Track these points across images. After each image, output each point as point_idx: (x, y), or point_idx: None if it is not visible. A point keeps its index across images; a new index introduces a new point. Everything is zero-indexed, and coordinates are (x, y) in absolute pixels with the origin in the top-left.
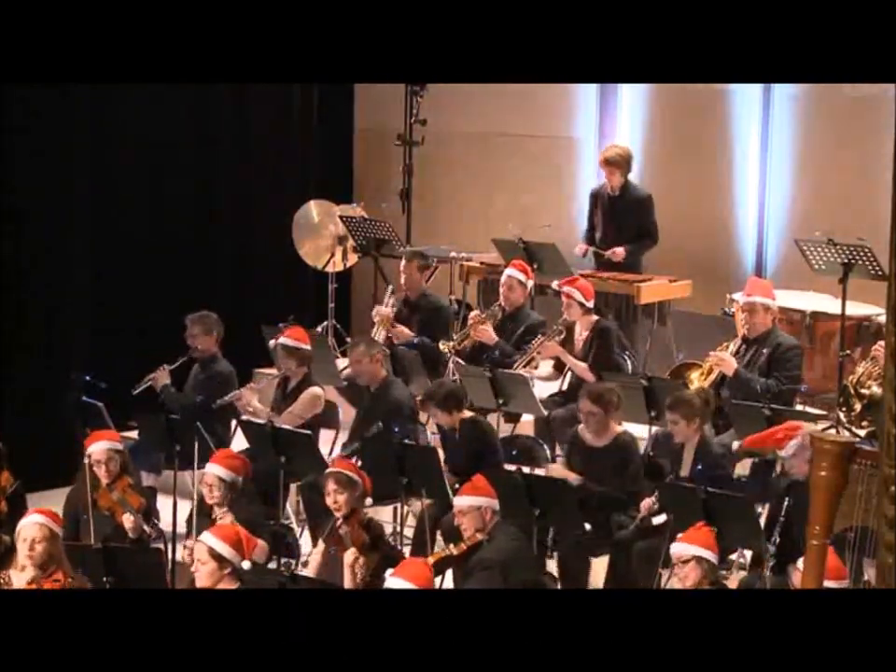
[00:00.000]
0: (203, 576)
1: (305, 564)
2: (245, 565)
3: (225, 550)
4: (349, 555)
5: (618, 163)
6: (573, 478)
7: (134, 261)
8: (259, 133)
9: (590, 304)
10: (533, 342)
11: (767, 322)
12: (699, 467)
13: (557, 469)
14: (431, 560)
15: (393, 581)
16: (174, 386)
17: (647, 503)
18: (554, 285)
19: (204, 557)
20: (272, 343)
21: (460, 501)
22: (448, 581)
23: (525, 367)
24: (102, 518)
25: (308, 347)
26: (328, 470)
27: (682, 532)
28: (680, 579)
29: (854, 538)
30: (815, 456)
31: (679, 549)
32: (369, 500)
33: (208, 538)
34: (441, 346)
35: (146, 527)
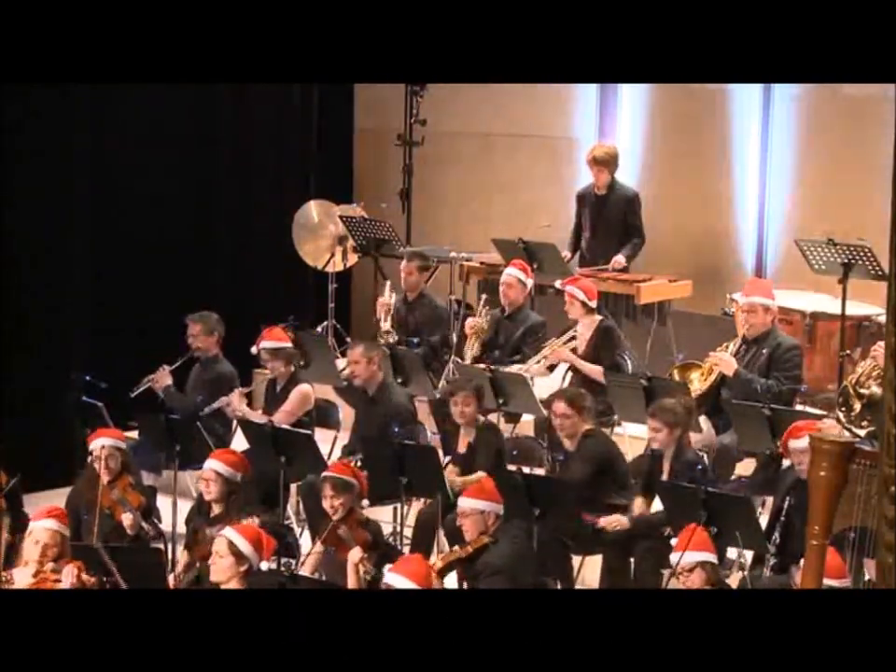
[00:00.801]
0: (219, 570)
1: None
2: (263, 566)
3: (245, 547)
4: (355, 554)
5: (606, 162)
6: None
7: (134, 261)
8: (259, 133)
9: (593, 304)
10: (545, 343)
11: (767, 322)
12: (702, 467)
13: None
14: (440, 563)
15: (392, 577)
16: (174, 387)
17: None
18: (558, 284)
19: (223, 551)
20: (253, 349)
21: (464, 503)
22: (448, 582)
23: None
24: (103, 517)
25: (290, 345)
26: (324, 475)
27: (679, 531)
28: (688, 586)
29: (854, 538)
30: (814, 456)
31: (681, 559)
32: (365, 502)
33: (230, 532)
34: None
35: (144, 525)
